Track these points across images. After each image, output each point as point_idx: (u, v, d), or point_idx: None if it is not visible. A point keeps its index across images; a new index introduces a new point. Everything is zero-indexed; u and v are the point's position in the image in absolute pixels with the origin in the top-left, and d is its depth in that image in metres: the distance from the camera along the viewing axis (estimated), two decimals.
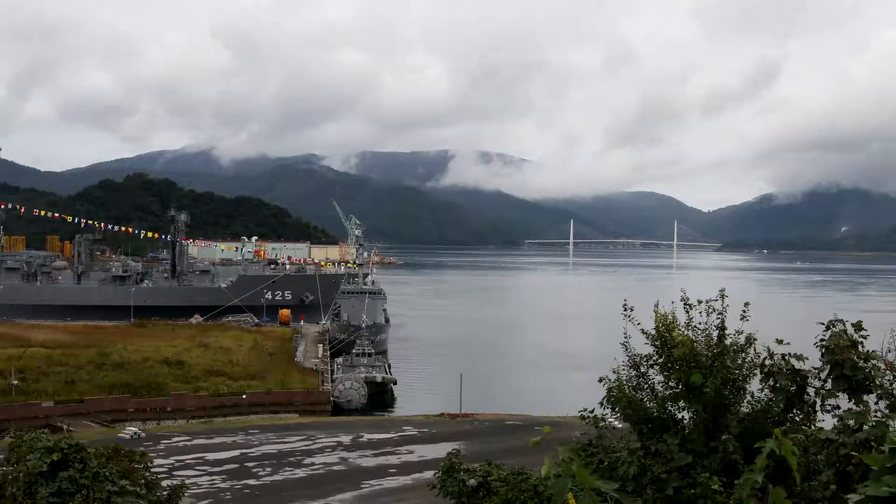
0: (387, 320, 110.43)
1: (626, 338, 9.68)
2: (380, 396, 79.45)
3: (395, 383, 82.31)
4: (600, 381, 9.31)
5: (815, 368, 8.34)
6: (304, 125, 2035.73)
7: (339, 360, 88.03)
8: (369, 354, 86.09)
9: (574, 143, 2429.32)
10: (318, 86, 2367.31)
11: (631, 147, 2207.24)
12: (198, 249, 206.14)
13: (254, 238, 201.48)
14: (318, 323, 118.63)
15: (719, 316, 9.18)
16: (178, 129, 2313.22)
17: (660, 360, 9.21)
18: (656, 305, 9.56)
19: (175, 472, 35.40)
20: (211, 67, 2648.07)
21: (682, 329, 9.19)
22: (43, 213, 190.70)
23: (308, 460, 42.13)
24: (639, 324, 9.67)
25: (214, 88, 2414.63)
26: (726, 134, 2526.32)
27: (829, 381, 8.05)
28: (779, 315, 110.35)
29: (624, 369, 9.51)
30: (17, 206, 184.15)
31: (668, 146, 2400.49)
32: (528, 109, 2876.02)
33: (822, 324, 8.12)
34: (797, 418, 8.49)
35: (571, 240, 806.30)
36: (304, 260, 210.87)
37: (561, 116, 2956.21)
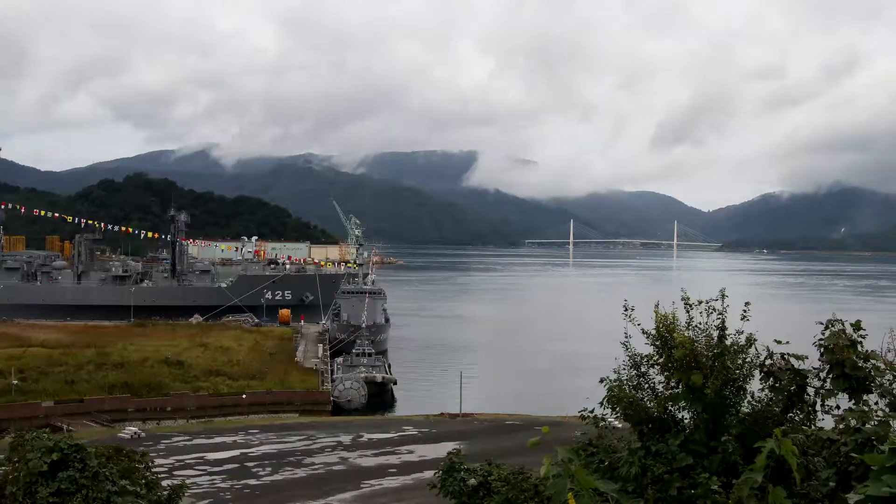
0: (387, 320, 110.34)
1: (626, 337, 9.67)
2: (380, 396, 79.47)
3: (395, 383, 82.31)
4: (601, 381, 9.30)
5: (815, 368, 8.32)
6: (328, 126, 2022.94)
7: (339, 359, 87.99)
8: (369, 354, 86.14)
9: (590, 143, 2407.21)
10: (353, 86, 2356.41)
11: (656, 147, 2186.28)
12: (198, 249, 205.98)
13: (254, 238, 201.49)
14: (318, 323, 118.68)
15: (720, 316, 9.15)
16: (213, 128, 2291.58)
17: (660, 361, 9.19)
18: (657, 306, 9.54)
19: (175, 472, 35.41)
20: (254, 66, 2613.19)
21: (683, 329, 9.17)
22: (43, 213, 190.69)
23: (308, 460, 42.18)
24: (639, 324, 9.65)
25: (247, 87, 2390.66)
26: (751, 134, 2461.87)
27: (829, 380, 8.04)
28: (778, 315, 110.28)
29: (624, 369, 9.50)
30: (17, 206, 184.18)
31: (694, 147, 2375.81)
32: (555, 110, 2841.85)
33: (821, 323, 8.10)
34: (797, 418, 8.48)
35: (571, 240, 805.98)
36: (304, 260, 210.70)
37: (585, 116, 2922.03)
